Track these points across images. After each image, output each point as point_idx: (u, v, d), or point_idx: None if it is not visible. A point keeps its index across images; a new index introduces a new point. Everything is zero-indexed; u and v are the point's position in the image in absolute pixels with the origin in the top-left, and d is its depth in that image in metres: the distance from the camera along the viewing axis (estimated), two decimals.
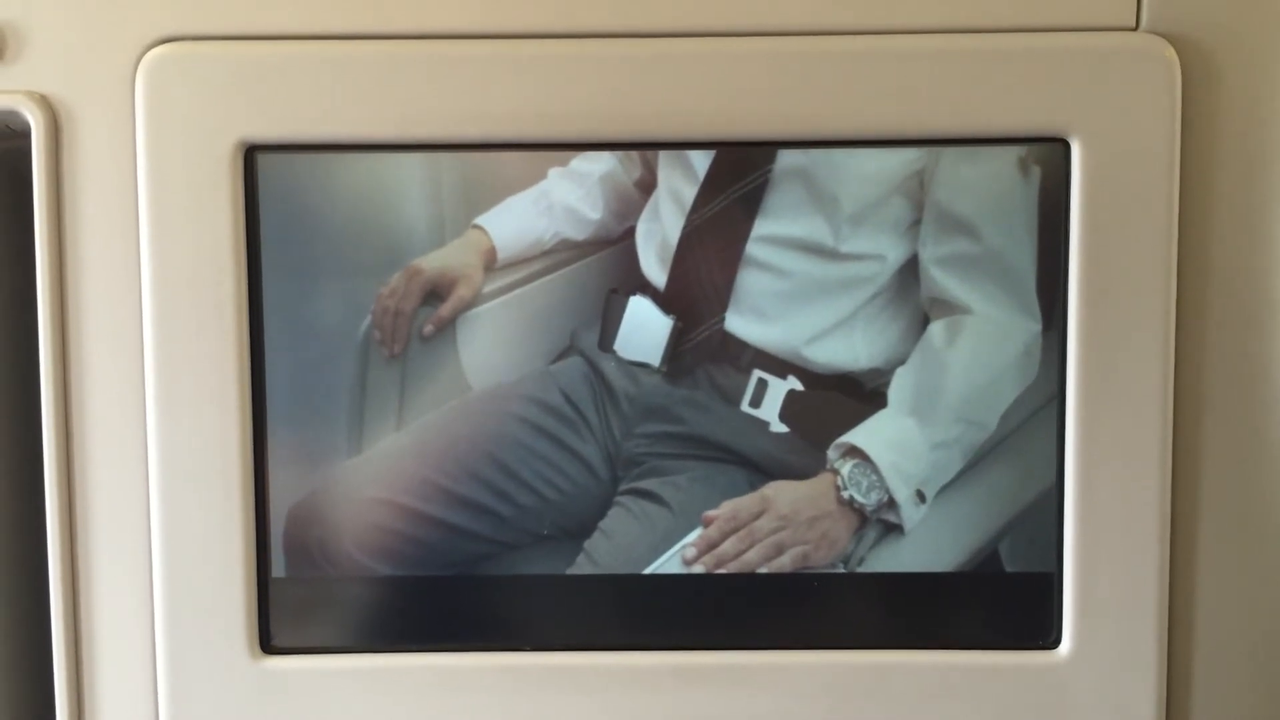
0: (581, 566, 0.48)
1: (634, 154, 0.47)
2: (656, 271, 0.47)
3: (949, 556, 0.48)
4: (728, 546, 0.47)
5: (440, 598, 0.48)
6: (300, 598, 0.48)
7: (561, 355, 0.48)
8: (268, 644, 0.48)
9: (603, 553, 0.48)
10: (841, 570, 0.48)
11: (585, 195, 0.47)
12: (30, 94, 0.46)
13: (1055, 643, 0.48)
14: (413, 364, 0.48)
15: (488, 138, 0.46)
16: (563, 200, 0.47)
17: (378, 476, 0.48)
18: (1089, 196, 0.46)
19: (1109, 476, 0.46)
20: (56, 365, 0.47)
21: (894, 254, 0.47)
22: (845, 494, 0.47)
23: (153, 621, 0.48)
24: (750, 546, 0.47)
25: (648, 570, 0.48)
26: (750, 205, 0.46)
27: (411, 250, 0.47)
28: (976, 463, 0.48)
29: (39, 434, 0.47)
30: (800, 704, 0.48)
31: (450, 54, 0.46)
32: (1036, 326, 0.46)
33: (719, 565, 0.47)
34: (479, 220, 0.47)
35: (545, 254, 0.47)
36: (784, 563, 0.47)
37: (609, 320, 0.47)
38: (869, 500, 0.47)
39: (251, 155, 0.46)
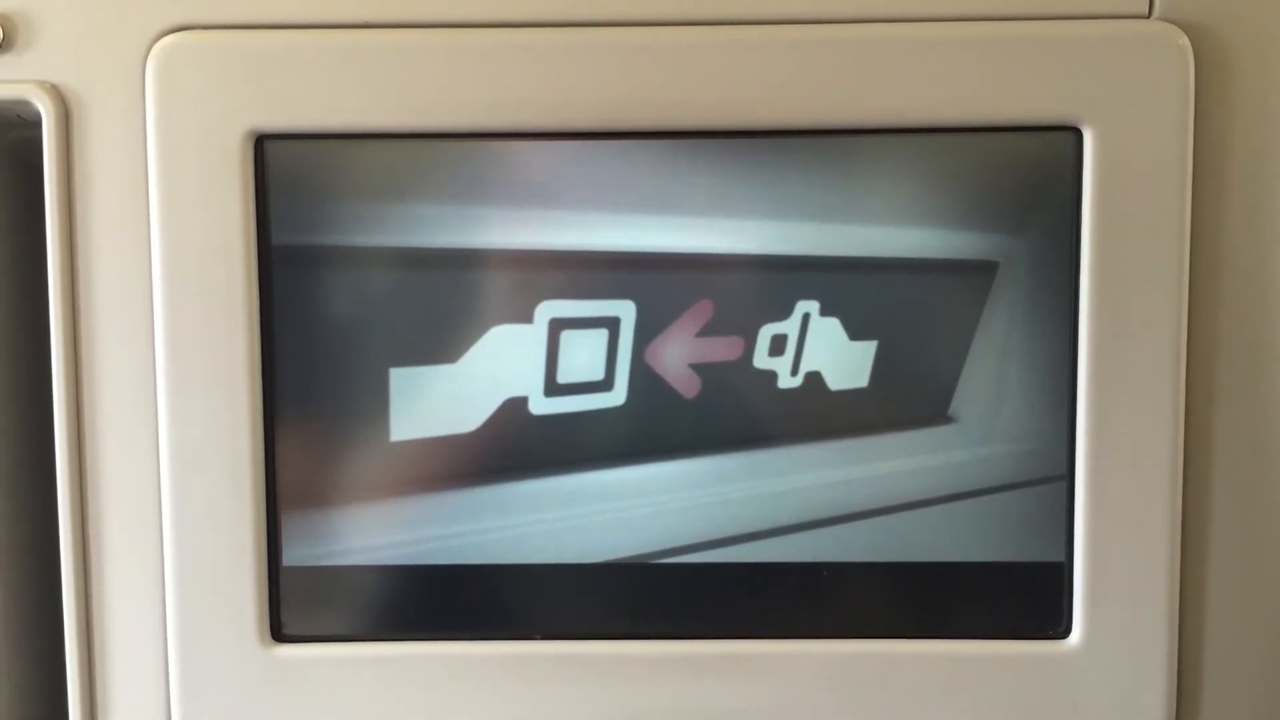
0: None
1: None
2: None
3: (959, 546, 0.48)
4: None
5: (451, 586, 0.49)
6: (311, 586, 0.48)
7: None
8: (279, 632, 0.48)
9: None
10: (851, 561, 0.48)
11: None
12: (41, 83, 0.46)
13: (1065, 633, 0.48)
14: None
15: (499, 126, 0.46)
16: None
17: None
18: (1101, 185, 0.45)
19: (1120, 466, 0.46)
20: (68, 354, 0.47)
21: None
22: None
23: (164, 609, 0.48)
24: None
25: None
26: None
27: (422, 239, 0.47)
28: (986, 452, 0.48)
29: (50, 423, 0.47)
30: (810, 693, 0.48)
31: (462, 43, 0.46)
32: None
33: None
34: None
35: None
36: None
37: None
38: None
39: (261, 144, 0.46)
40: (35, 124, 0.46)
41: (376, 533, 0.48)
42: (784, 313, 0.48)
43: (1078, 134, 0.46)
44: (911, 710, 0.48)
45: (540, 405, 0.48)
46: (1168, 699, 0.47)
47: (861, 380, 0.48)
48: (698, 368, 0.48)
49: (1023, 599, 0.48)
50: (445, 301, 0.47)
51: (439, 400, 0.48)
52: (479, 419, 0.48)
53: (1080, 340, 0.46)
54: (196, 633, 0.48)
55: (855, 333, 0.48)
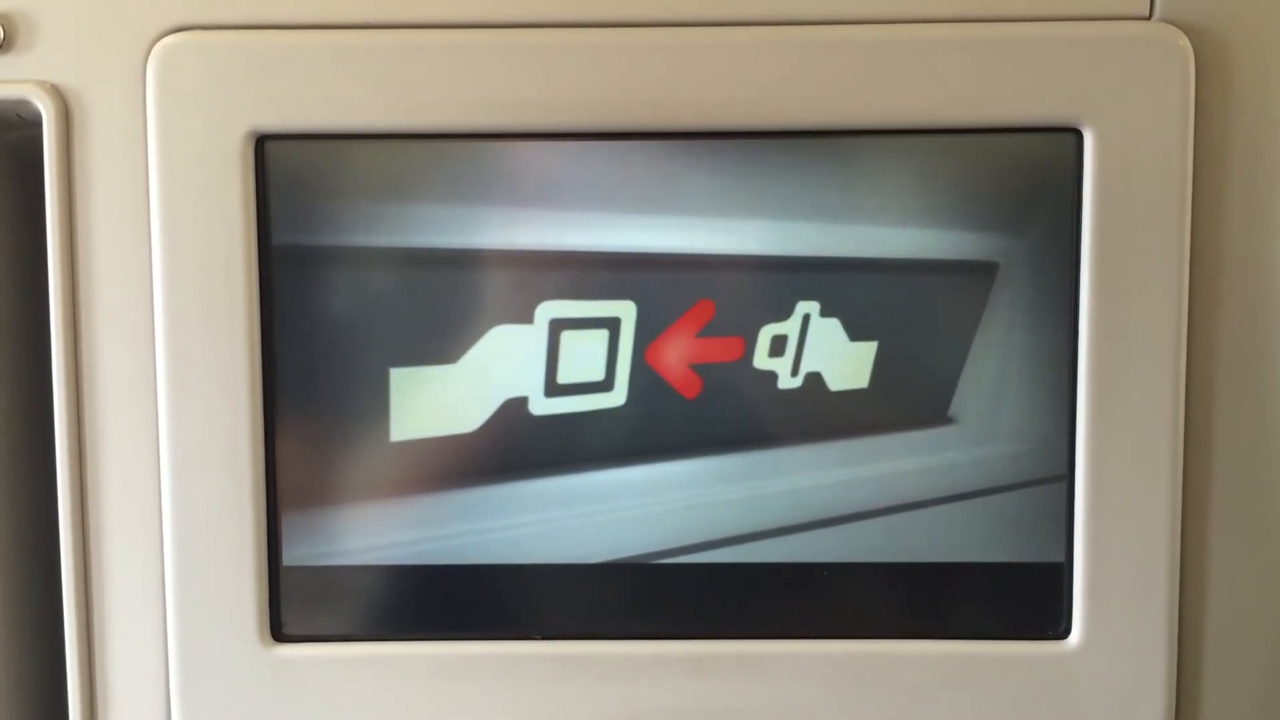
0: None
1: None
2: None
3: (959, 546, 0.48)
4: None
5: (451, 586, 0.49)
6: (311, 586, 0.48)
7: None
8: (279, 632, 0.48)
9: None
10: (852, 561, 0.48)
11: None
12: (41, 83, 0.46)
13: (1065, 633, 0.48)
14: None
15: (500, 127, 0.46)
16: None
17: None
18: (1101, 186, 0.46)
19: (1120, 466, 0.46)
20: (68, 355, 0.47)
21: None
22: None
23: (164, 609, 0.48)
24: None
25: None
26: None
27: (423, 240, 0.47)
28: (986, 452, 0.48)
29: (50, 424, 0.47)
30: (810, 693, 0.48)
31: (462, 43, 0.46)
32: None
33: None
34: None
35: None
36: None
37: None
38: None
39: (262, 144, 0.46)
40: (35, 124, 0.46)
41: (377, 533, 0.48)
42: (784, 313, 0.48)
43: (1078, 135, 0.46)
44: (911, 710, 0.48)
45: (540, 405, 0.48)
46: (1167, 699, 0.47)
47: (862, 381, 0.48)
48: (698, 368, 0.48)
49: (1022, 599, 0.48)
50: (446, 301, 0.47)
51: (439, 400, 0.48)
52: (479, 419, 0.48)
53: (1080, 341, 0.46)
54: (196, 632, 0.48)
55: (855, 333, 0.48)
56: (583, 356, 0.48)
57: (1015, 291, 0.47)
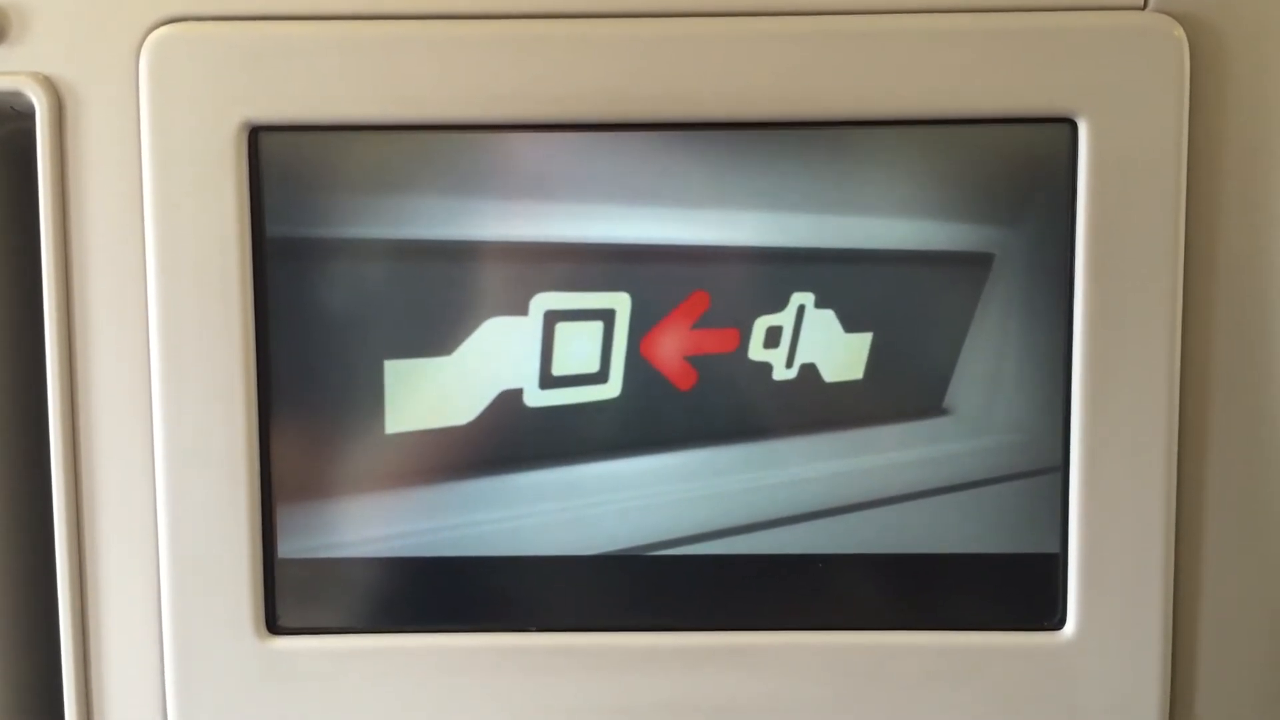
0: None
1: None
2: None
3: (953, 537, 0.48)
4: None
5: (446, 578, 0.49)
6: (307, 578, 0.48)
7: None
8: (274, 624, 0.48)
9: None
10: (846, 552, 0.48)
11: None
12: (34, 75, 0.46)
13: (1060, 624, 0.48)
14: None
15: (494, 118, 0.46)
16: None
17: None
18: (1096, 177, 0.46)
19: (1114, 457, 0.46)
20: (62, 348, 0.47)
21: None
22: None
23: (159, 602, 0.48)
24: None
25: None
26: None
27: (417, 232, 0.47)
28: (980, 444, 0.48)
29: (44, 416, 0.47)
30: (804, 684, 0.48)
31: (456, 35, 0.45)
32: None
33: None
34: None
35: None
36: None
37: None
38: None
39: (255, 136, 0.46)
40: (29, 116, 0.46)
41: (372, 525, 0.48)
42: (779, 304, 0.48)
43: (1073, 126, 0.46)
44: (907, 701, 0.48)
45: (535, 397, 0.48)
46: (1162, 689, 0.48)
47: (856, 372, 0.48)
48: (693, 360, 0.48)
49: (1017, 590, 0.48)
50: (440, 294, 0.47)
51: (434, 392, 0.48)
52: (474, 411, 0.48)
53: (1075, 332, 0.46)
54: (192, 625, 0.48)
55: (850, 324, 0.48)
56: (577, 348, 0.48)
57: (1010, 283, 0.47)
